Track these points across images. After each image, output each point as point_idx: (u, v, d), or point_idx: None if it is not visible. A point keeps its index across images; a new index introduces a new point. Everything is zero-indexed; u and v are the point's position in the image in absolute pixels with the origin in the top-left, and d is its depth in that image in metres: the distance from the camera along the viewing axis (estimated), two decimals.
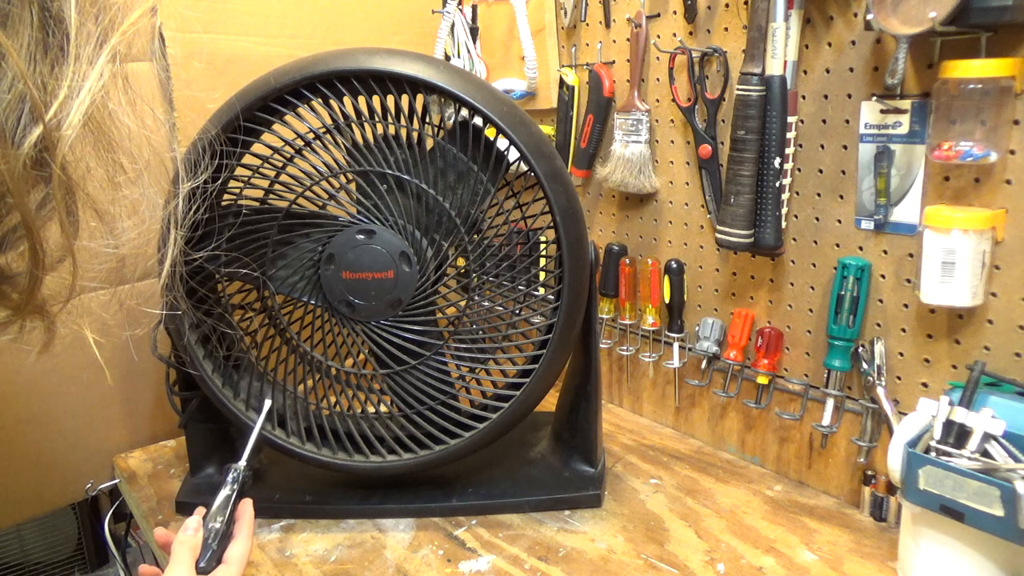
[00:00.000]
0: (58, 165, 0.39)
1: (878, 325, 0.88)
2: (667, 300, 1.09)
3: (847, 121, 0.87)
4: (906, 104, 0.81)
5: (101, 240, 0.45)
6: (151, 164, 0.47)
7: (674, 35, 1.03)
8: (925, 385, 0.85)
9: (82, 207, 0.43)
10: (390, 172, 0.85)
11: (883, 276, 0.87)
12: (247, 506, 0.75)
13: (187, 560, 0.66)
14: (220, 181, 0.85)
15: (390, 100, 0.84)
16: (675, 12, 1.02)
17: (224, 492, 0.81)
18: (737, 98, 0.90)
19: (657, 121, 1.08)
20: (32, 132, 0.37)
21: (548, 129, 1.21)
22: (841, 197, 0.89)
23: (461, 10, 1.22)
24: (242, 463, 0.84)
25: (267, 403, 0.90)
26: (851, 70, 0.86)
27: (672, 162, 1.08)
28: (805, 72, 0.90)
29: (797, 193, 0.94)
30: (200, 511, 0.76)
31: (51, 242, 0.41)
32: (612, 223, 1.19)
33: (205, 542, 0.70)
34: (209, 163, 0.84)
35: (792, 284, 0.97)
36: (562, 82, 1.16)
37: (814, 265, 0.94)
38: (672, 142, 1.07)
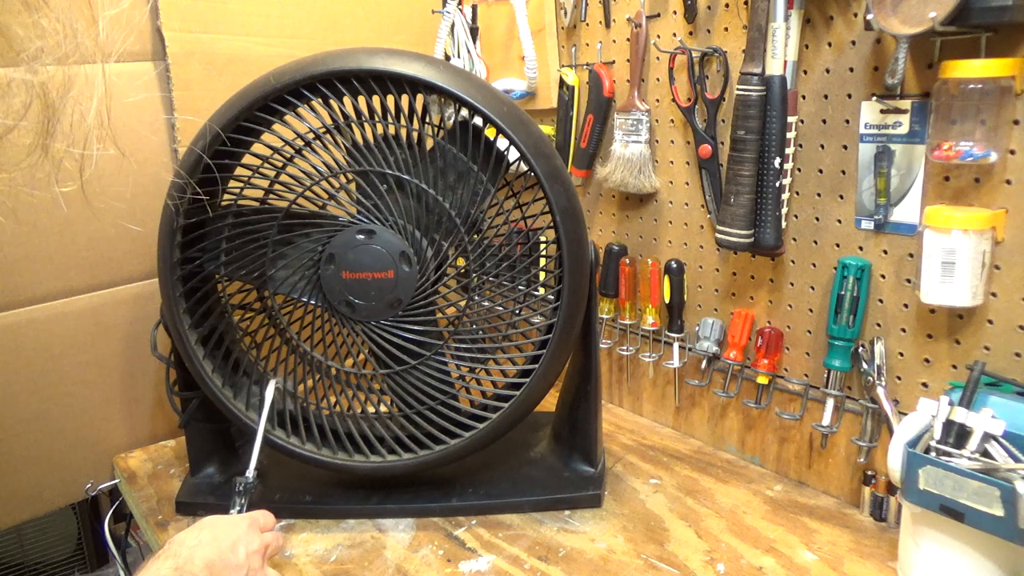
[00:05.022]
0: None
1: (878, 325, 0.88)
2: (667, 300, 1.09)
3: (847, 121, 0.87)
4: (906, 104, 0.81)
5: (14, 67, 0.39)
6: None
7: (674, 35, 1.03)
8: (925, 385, 0.85)
9: None
10: (390, 172, 0.85)
11: (883, 276, 0.87)
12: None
13: None
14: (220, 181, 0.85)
15: (390, 100, 0.84)
16: (675, 12, 1.02)
17: (234, 510, 0.83)
18: (737, 98, 0.90)
19: (657, 121, 1.08)
20: None
21: (548, 129, 1.21)
22: (841, 197, 0.89)
23: (461, 10, 1.22)
24: (250, 474, 0.85)
25: (271, 385, 0.90)
26: (851, 70, 0.86)
27: (672, 162, 1.08)
28: (805, 72, 0.90)
29: (797, 193, 0.94)
30: None
31: None
32: (612, 223, 1.19)
33: None
34: (209, 163, 0.84)
35: (792, 284, 0.97)
36: (562, 82, 1.16)
37: (814, 265, 0.94)
38: (672, 142, 1.07)
